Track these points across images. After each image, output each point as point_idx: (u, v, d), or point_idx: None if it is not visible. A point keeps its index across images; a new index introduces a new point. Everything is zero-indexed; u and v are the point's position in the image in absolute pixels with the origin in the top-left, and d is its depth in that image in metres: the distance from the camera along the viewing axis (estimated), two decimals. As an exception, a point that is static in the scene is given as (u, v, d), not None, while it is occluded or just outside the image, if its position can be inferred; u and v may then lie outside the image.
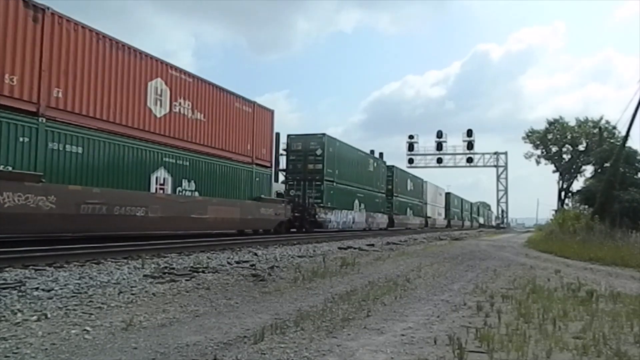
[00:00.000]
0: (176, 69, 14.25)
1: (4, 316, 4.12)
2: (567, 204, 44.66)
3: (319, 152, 23.80)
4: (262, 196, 18.15)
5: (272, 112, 19.43)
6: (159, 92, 13.46)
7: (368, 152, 34.25)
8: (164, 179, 13.59)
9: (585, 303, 5.43)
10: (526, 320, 4.48)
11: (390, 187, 35.34)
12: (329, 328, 4.06)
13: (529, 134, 54.03)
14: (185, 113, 14.51)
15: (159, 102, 13.47)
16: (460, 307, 5.23)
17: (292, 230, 21.44)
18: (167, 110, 13.79)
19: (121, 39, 12.31)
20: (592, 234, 17.40)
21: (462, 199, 66.93)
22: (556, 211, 37.03)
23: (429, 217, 46.64)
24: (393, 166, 36.70)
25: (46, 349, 3.28)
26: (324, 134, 24.07)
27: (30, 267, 7.18)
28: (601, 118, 48.22)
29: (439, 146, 60.28)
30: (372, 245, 16.26)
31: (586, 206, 26.62)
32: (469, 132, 59.87)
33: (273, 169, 19.83)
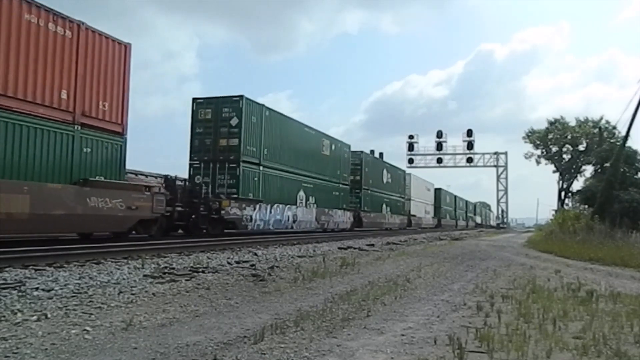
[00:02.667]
0: None
1: (4, 316, 4.12)
2: (567, 204, 44.68)
3: (234, 121, 17.04)
4: (99, 178, 11.33)
5: (126, 46, 12.23)
6: None
7: (368, 152, 33.05)
8: None
9: (585, 303, 5.43)
10: (526, 320, 4.48)
11: (358, 177, 29.08)
12: (329, 328, 4.06)
13: (529, 134, 54.03)
14: None
15: None
16: (460, 307, 5.23)
17: (179, 232, 15.39)
18: None
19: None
20: (592, 234, 17.40)
21: (455, 196, 61.98)
22: (556, 211, 37.01)
23: (413, 216, 41.13)
24: (362, 152, 30.20)
25: (46, 349, 3.27)
26: (241, 96, 17.13)
27: (30, 267, 7.17)
28: (601, 118, 48.22)
29: (439, 146, 60.33)
30: (372, 245, 16.27)
31: (586, 206, 26.61)
32: (469, 132, 59.94)
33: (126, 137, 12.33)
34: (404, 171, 40.47)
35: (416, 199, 42.41)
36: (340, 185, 26.29)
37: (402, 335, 3.93)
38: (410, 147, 61.88)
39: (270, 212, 18.76)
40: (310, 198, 22.52)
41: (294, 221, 20.63)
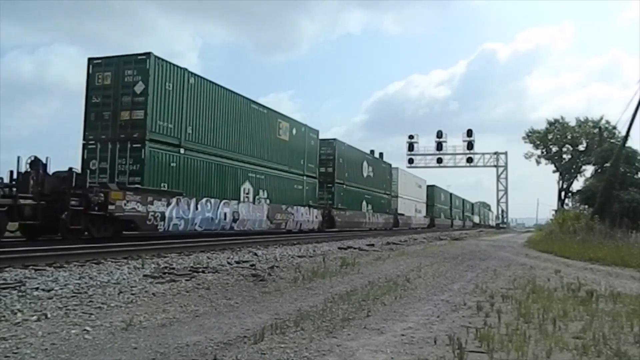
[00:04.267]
0: None
1: (4, 316, 4.13)
2: (567, 204, 44.69)
3: (139, 88, 12.89)
4: None
5: None
6: None
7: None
8: None
9: (585, 303, 5.43)
10: (526, 320, 4.48)
11: (330, 169, 24.80)
12: (329, 328, 4.06)
13: (529, 134, 54.08)
14: None
15: None
16: (460, 307, 5.23)
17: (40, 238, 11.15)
18: None
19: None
20: (592, 234, 17.39)
21: (451, 194, 58.05)
22: (556, 211, 37.02)
23: (401, 215, 36.87)
24: (334, 140, 25.52)
25: (46, 349, 3.28)
26: (148, 54, 12.95)
27: (30, 267, 7.17)
28: (601, 118, 48.28)
29: (439, 146, 60.32)
30: (372, 245, 16.27)
31: (586, 206, 26.61)
32: (469, 132, 59.91)
33: None
34: (389, 165, 35.82)
35: (405, 196, 38.27)
36: (305, 178, 21.81)
37: (402, 335, 3.93)
38: (410, 147, 61.89)
39: (197, 208, 14.31)
40: (261, 192, 18.13)
41: (235, 220, 16.28)
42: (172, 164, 13.76)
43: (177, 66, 14.14)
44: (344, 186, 26.28)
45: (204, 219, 14.79)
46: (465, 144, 59.82)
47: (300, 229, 20.98)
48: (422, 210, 44.37)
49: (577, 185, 46.08)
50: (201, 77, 15.19)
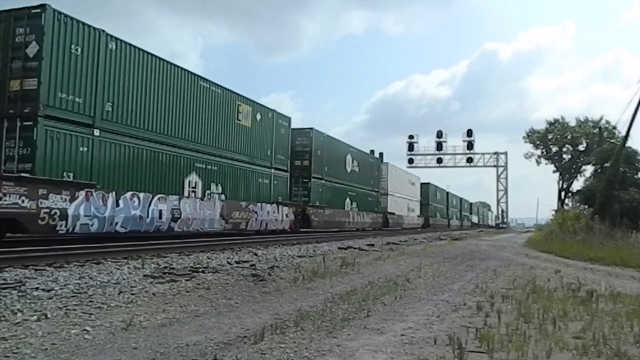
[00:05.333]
0: None
1: (4, 316, 4.12)
2: (567, 204, 44.75)
3: (32, 50, 10.18)
4: None
5: None
6: None
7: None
8: None
9: (585, 303, 5.43)
10: (526, 320, 4.48)
11: (306, 162, 22.26)
12: (329, 328, 4.06)
13: (529, 134, 54.18)
14: None
15: None
16: (460, 307, 5.23)
17: None
18: None
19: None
20: (592, 234, 17.39)
21: (447, 192, 55.72)
22: (556, 211, 37.04)
23: (391, 214, 34.15)
24: (311, 129, 22.78)
25: (46, 349, 3.28)
26: (43, 6, 10.20)
27: (30, 267, 7.17)
28: (601, 118, 48.43)
29: (439, 146, 60.37)
30: (372, 245, 16.27)
31: (586, 206, 26.63)
32: (469, 132, 59.95)
33: None
34: (378, 159, 32.84)
35: (396, 193, 35.52)
36: (273, 171, 19.04)
37: (402, 335, 3.93)
38: (410, 147, 61.95)
39: (117, 204, 11.56)
40: (213, 186, 15.44)
41: (175, 219, 13.42)
42: (81, 149, 10.93)
43: (91, 26, 11.20)
44: (323, 181, 23.60)
45: (129, 217, 11.89)
46: (465, 144, 59.88)
47: (266, 230, 18.29)
48: (415, 210, 41.62)
49: (577, 185, 46.20)
50: (127, 43, 12.22)
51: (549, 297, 5.81)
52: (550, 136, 52.40)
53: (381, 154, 37.48)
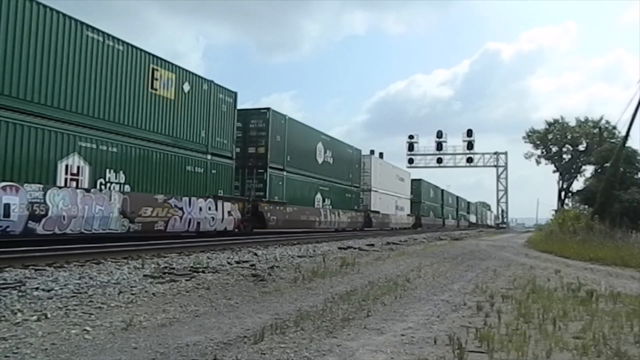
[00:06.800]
0: None
1: (4, 316, 4.13)
2: (567, 204, 44.76)
3: None
4: None
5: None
6: None
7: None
8: None
9: (585, 303, 5.43)
10: (526, 320, 4.48)
11: (261, 150, 18.31)
12: (329, 328, 4.06)
13: (529, 134, 54.19)
14: None
15: None
16: (460, 307, 5.23)
17: None
18: None
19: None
20: (592, 234, 17.40)
21: (442, 190, 51.46)
22: (556, 211, 37.05)
23: (375, 213, 30.12)
24: (268, 109, 18.65)
25: (46, 349, 3.28)
26: None
27: (30, 267, 7.17)
28: (601, 118, 48.47)
29: (439, 146, 60.42)
30: (372, 245, 16.26)
31: (586, 206, 26.66)
32: (469, 132, 59.99)
33: None
34: (359, 151, 28.41)
35: (381, 190, 31.48)
36: (210, 158, 15.21)
37: (402, 335, 3.93)
38: (411, 147, 61.99)
39: None
40: (109, 174, 11.63)
41: (37, 218, 9.55)
42: None
43: None
44: (285, 173, 19.58)
45: None
46: (465, 144, 59.90)
47: (198, 231, 14.51)
48: (405, 208, 37.27)
49: (577, 185, 46.24)
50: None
51: (549, 297, 5.81)
52: (550, 136, 52.42)
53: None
